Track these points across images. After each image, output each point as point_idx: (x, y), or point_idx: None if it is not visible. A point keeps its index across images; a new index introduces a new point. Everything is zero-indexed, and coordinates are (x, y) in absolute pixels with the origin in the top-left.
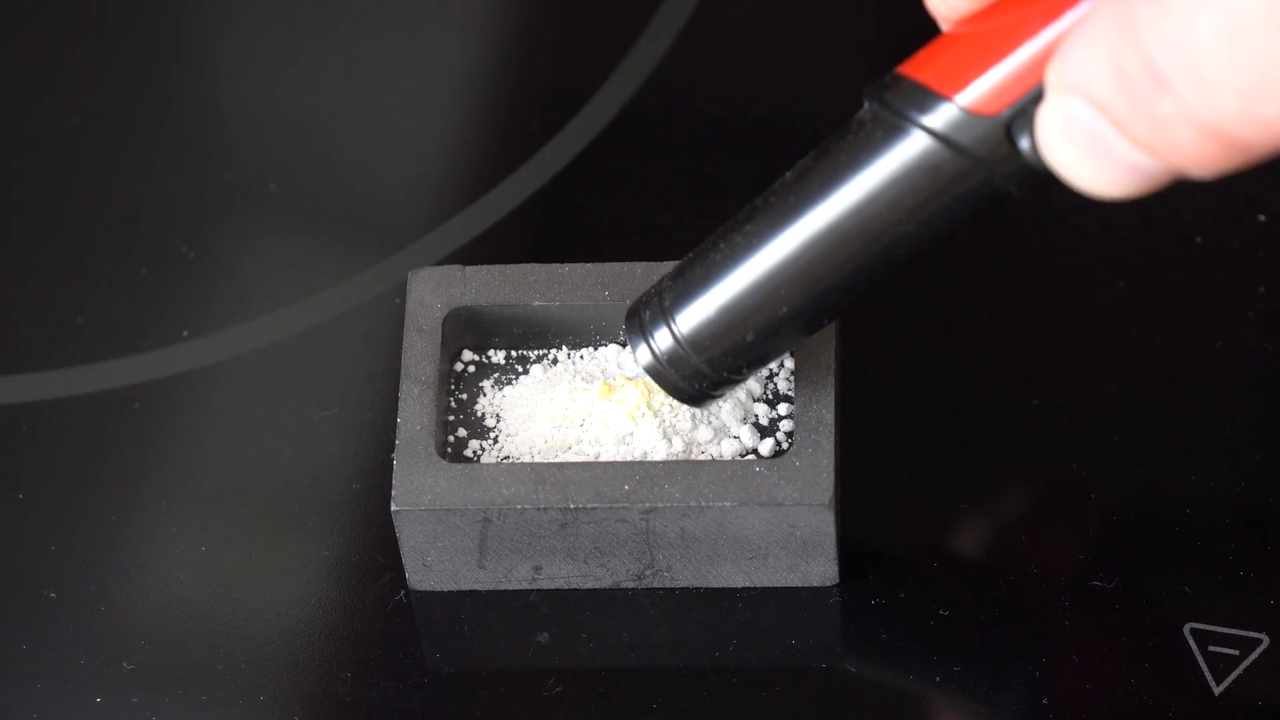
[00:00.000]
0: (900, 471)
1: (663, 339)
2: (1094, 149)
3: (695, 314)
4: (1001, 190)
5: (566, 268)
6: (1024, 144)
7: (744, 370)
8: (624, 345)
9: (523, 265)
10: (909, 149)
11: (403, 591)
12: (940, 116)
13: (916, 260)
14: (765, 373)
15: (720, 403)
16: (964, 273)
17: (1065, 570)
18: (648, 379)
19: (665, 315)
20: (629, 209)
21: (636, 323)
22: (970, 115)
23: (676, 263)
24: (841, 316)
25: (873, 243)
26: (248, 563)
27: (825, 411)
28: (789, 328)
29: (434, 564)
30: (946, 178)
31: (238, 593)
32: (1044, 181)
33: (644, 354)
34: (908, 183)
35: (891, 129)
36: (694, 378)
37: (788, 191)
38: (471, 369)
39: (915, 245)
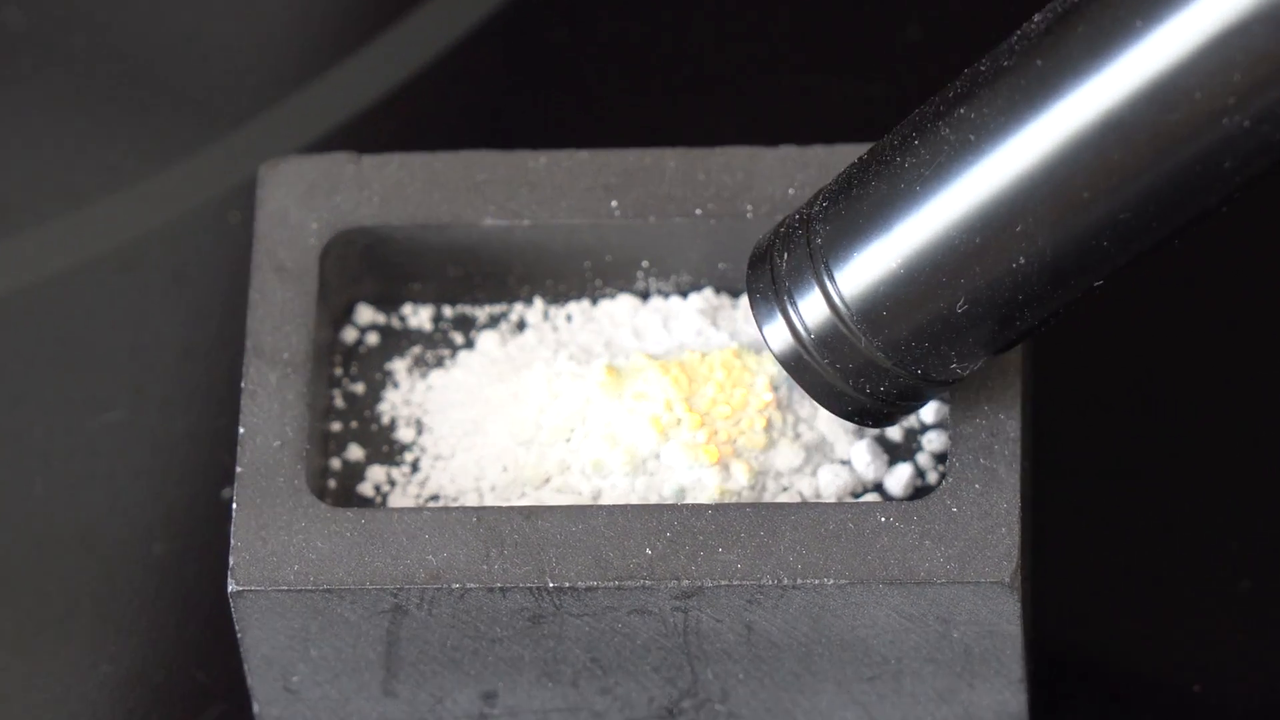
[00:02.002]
0: (1120, 527)
1: (813, 307)
2: None
3: (869, 264)
4: None
5: (544, 158)
6: None
7: (950, 364)
8: (646, 296)
9: (466, 153)
10: None
11: None
12: None
13: (1243, 189)
14: None
15: (815, 405)
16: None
17: None
18: (769, 374)
19: (815, 265)
20: (627, 54)
21: (767, 275)
22: None
23: (837, 175)
24: (1109, 281)
25: (1177, 146)
26: None
27: (1007, 421)
28: (1028, 293)
29: (303, 688)
30: None
31: None
32: None
33: (780, 333)
34: (1244, 41)
35: None
36: (864, 375)
37: (1029, 55)
38: (372, 339)
39: (1250, 156)
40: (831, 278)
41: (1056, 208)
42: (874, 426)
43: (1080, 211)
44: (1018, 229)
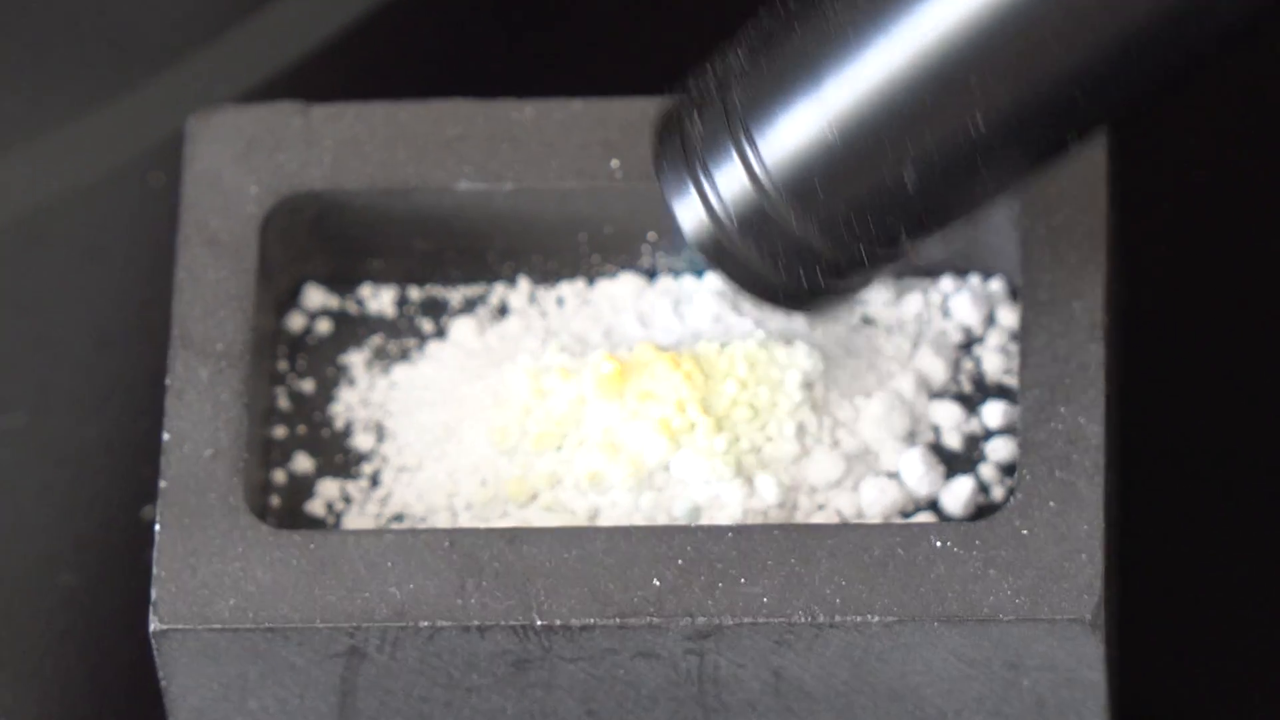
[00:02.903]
0: (1223, 554)
1: (730, 181)
2: None
3: (797, 129)
4: None
5: (530, 108)
6: None
7: (896, 240)
8: (653, 274)
9: (435, 102)
10: None
11: None
12: None
13: (1220, 36)
14: (956, 337)
15: (861, 402)
16: None
17: None
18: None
19: (734, 131)
20: None
21: (676, 144)
22: None
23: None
24: (1082, 138)
25: None
26: None
27: (1088, 425)
28: (988, 156)
29: None
30: None
31: None
32: None
33: (691, 212)
34: None
35: None
36: (795, 259)
37: None
38: (324, 327)
39: None
40: (754, 145)
41: (1020, 53)
42: (810, 313)
43: (1047, 56)
44: (972, 81)
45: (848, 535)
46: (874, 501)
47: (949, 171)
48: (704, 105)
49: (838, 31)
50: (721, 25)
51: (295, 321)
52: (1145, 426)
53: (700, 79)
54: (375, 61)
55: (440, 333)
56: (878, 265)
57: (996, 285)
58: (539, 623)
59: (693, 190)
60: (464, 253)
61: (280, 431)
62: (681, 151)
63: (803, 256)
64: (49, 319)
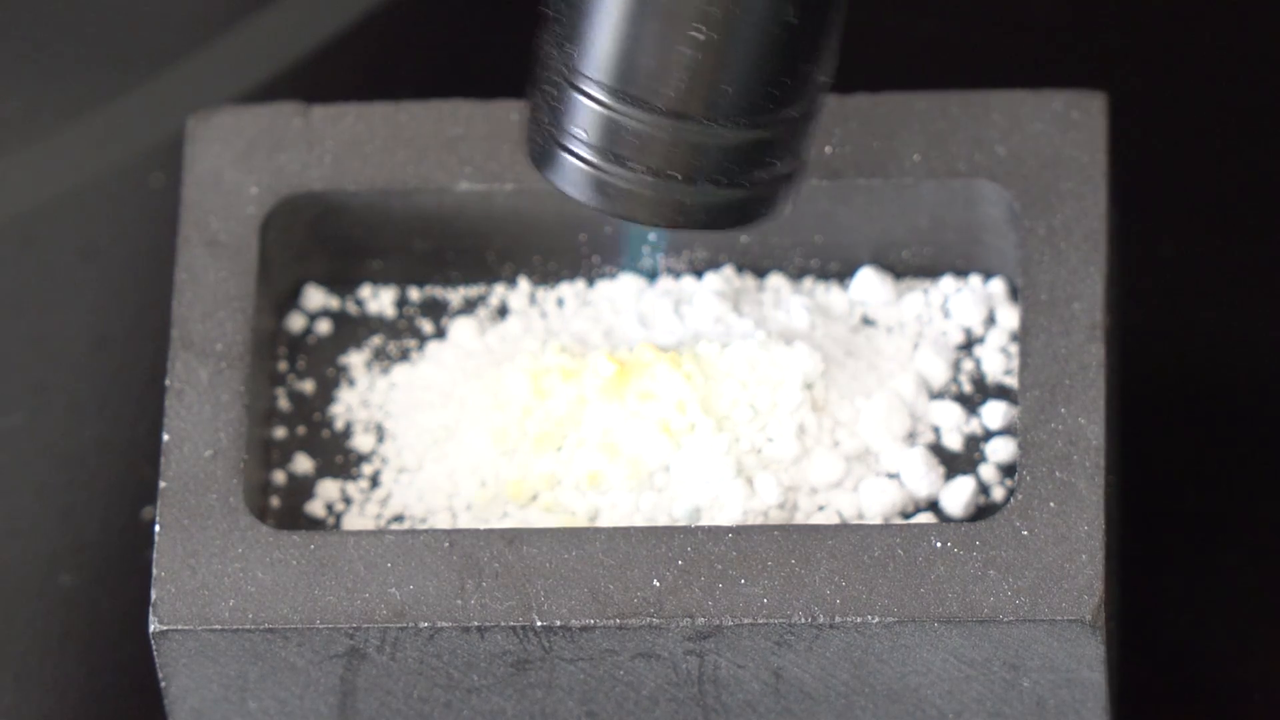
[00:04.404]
0: (1224, 554)
1: (592, 119)
2: None
3: (623, 40)
4: None
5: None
6: None
7: (777, 101)
8: (654, 276)
9: (436, 102)
10: None
11: None
12: None
13: None
14: (956, 338)
15: (861, 403)
16: None
17: None
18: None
19: (572, 83)
20: None
21: (540, 138)
22: None
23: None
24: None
25: None
26: None
27: (1089, 426)
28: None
29: None
30: None
31: None
32: None
33: (576, 177)
34: None
35: None
36: (686, 158)
37: None
38: (324, 328)
39: None
40: (588, 77)
41: None
42: (752, 219)
43: None
44: None
45: (848, 536)
46: (874, 502)
47: (759, 27)
48: (540, 86)
49: None
50: None
51: (295, 322)
52: (1145, 426)
53: (538, 75)
54: (375, 61)
55: (440, 333)
56: (782, 137)
57: (996, 285)
58: (539, 623)
59: (567, 157)
60: (464, 253)
61: (280, 432)
62: (545, 137)
63: (701, 155)
64: (49, 319)
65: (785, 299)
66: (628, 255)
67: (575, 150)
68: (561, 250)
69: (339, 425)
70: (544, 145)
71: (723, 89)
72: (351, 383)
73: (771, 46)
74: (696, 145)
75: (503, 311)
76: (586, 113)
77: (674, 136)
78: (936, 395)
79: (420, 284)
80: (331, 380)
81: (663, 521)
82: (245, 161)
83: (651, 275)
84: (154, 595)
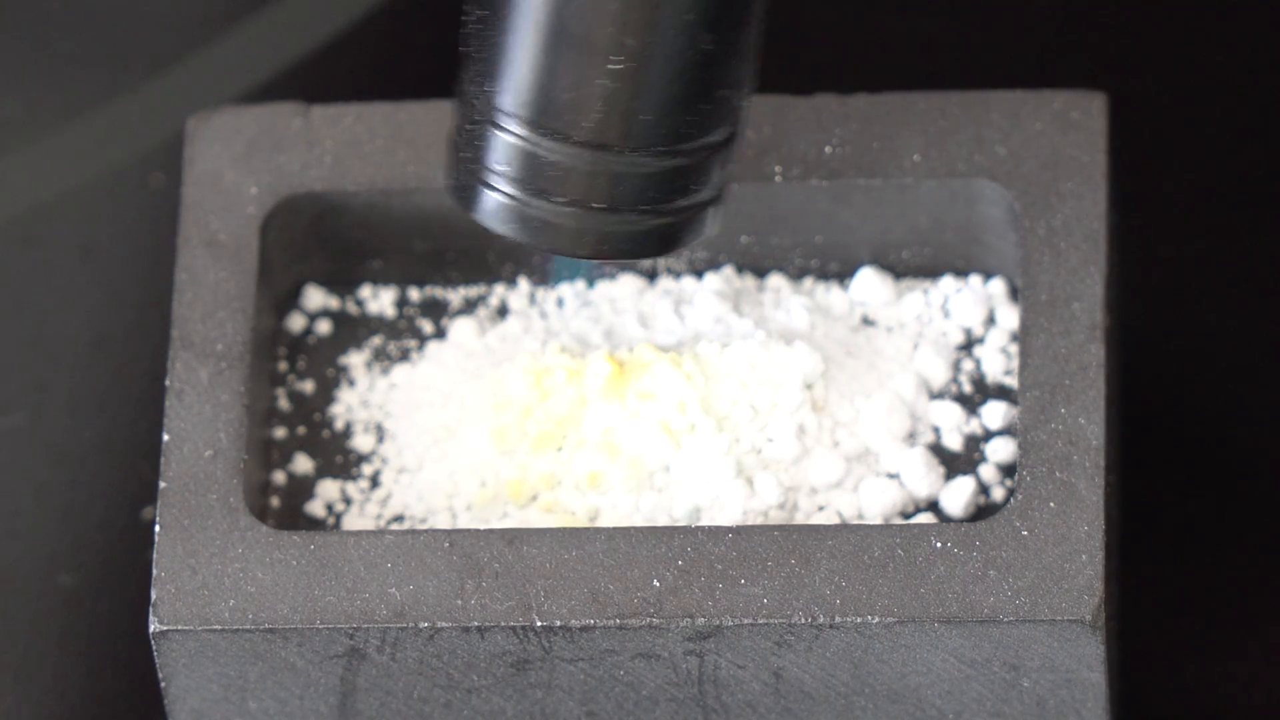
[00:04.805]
0: (1224, 555)
1: (512, 153)
2: None
3: (539, 73)
4: None
5: None
6: None
7: (698, 127)
8: (654, 276)
9: (436, 102)
10: None
11: None
12: None
13: None
14: (956, 338)
15: (861, 403)
16: None
17: None
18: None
19: (492, 118)
20: None
21: (465, 168)
22: None
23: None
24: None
25: None
26: None
27: (1088, 426)
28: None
29: None
30: None
31: None
32: None
33: (500, 212)
34: None
35: None
36: (607, 188)
37: None
38: (324, 328)
39: None
40: (513, 114)
41: None
42: (677, 245)
43: None
44: None
45: (848, 536)
46: (874, 502)
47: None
48: (461, 124)
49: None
50: None
51: (295, 322)
52: (1145, 426)
53: (458, 118)
54: (375, 61)
55: (440, 333)
56: (704, 157)
57: (996, 285)
58: (539, 623)
59: (489, 193)
60: (464, 253)
61: (280, 432)
62: (466, 174)
63: (618, 186)
64: (49, 319)
65: (785, 299)
66: (555, 275)
67: (496, 185)
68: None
69: (339, 425)
70: (466, 182)
71: (641, 118)
72: (351, 383)
73: (688, 74)
74: (617, 175)
75: (503, 311)
76: (506, 147)
77: (594, 167)
78: (936, 395)
79: (420, 284)
80: (331, 380)
81: (663, 521)
82: (245, 161)
83: (590, 281)
84: (154, 595)
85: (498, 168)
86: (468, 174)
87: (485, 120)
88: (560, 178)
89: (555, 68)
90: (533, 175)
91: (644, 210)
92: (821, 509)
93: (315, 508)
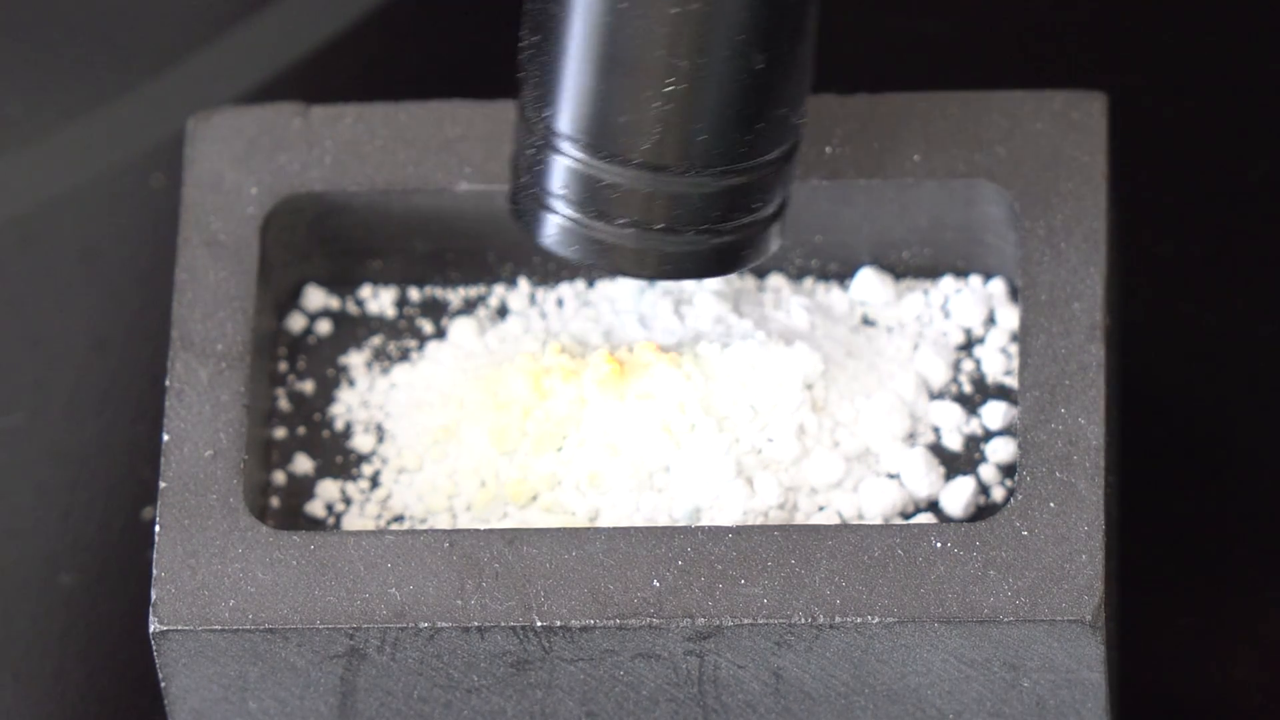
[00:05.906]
0: (1223, 555)
1: (571, 177)
2: None
3: (594, 98)
4: None
5: None
6: None
7: (748, 146)
8: (649, 284)
9: (436, 103)
10: None
11: None
12: None
13: None
14: (956, 338)
15: (861, 403)
16: None
17: None
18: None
19: (551, 142)
20: None
21: (525, 192)
22: None
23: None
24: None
25: None
26: None
27: (1088, 426)
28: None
29: None
30: None
31: None
32: None
33: (561, 235)
34: None
35: None
36: (667, 209)
37: None
38: (324, 328)
39: None
40: (569, 138)
41: None
42: (740, 264)
43: None
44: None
45: (847, 536)
46: (874, 502)
47: (718, 62)
48: (520, 148)
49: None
50: None
51: (295, 322)
52: (1145, 426)
53: (518, 146)
54: (375, 61)
55: (440, 333)
56: (754, 180)
57: (996, 285)
58: (539, 623)
59: (551, 216)
60: (464, 253)
61: (280, 432)
62: (528, 198)
63: (677, 207)
64: (49, 320)
65: (785, 299)
66: None
67: (557, 208)
68: None
69: (339, 425)
70: (527, 205)
71: (697, 139)
72: (351, 383)
73: (743, 95)
74: (676, 196)
75: (502, 311)
76: (565, 171)
77: (653, 188)
78: (936, 395)
79: (420, 284)
80: (331, 380)
81: (663, 521)
82: (245, 162)
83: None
84: (154, 595)
85: (558, 191)
86: (529, 198)
87: (544, 144)
88: (620, 200)
89: (609, 92)
90: (593, 198)
91: (705, 230)
92: (821, 509)
93: (315, 508)
